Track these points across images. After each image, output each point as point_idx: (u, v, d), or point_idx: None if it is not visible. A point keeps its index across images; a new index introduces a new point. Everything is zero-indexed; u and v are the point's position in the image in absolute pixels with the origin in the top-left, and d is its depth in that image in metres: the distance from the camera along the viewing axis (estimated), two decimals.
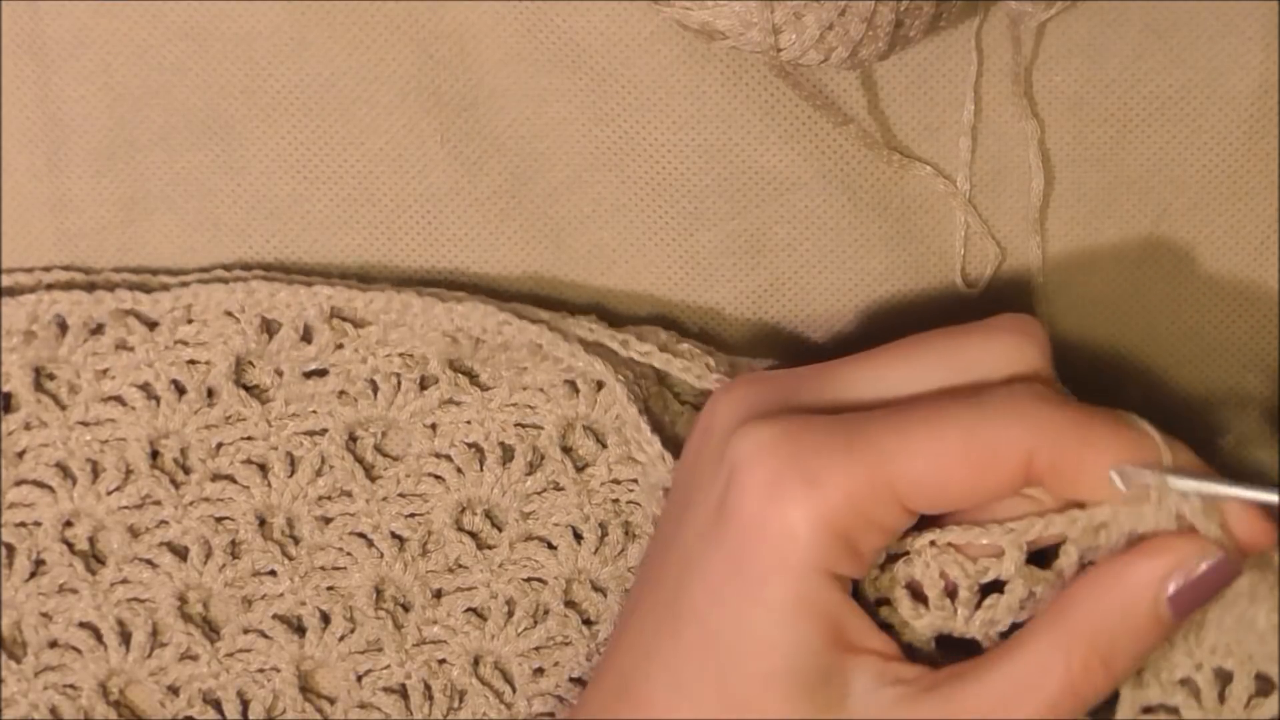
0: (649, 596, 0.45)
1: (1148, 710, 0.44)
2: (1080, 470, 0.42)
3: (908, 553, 0.44)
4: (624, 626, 0.46)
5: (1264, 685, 0.43)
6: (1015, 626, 0.43)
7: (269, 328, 0.51)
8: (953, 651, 0.44)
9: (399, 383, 0.51)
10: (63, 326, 0.51)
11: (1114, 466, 0.41)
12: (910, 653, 0.44)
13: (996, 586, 0.44)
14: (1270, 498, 0.42)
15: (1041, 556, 0.44)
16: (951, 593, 0.44)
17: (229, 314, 0.51)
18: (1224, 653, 0.43)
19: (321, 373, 0.51)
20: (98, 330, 0.52)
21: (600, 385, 0.50)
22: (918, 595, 0.44)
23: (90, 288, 0.51)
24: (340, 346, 0.51)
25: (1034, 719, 0.41)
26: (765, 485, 0.42)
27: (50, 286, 0.52)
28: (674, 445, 0.49)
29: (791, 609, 0.42)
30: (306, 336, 0.51)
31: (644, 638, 0.44)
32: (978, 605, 0.43)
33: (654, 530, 0.49)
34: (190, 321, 0.51)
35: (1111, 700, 0.44)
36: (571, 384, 0.51)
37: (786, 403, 0.44)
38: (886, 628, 0.44)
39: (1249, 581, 0.42)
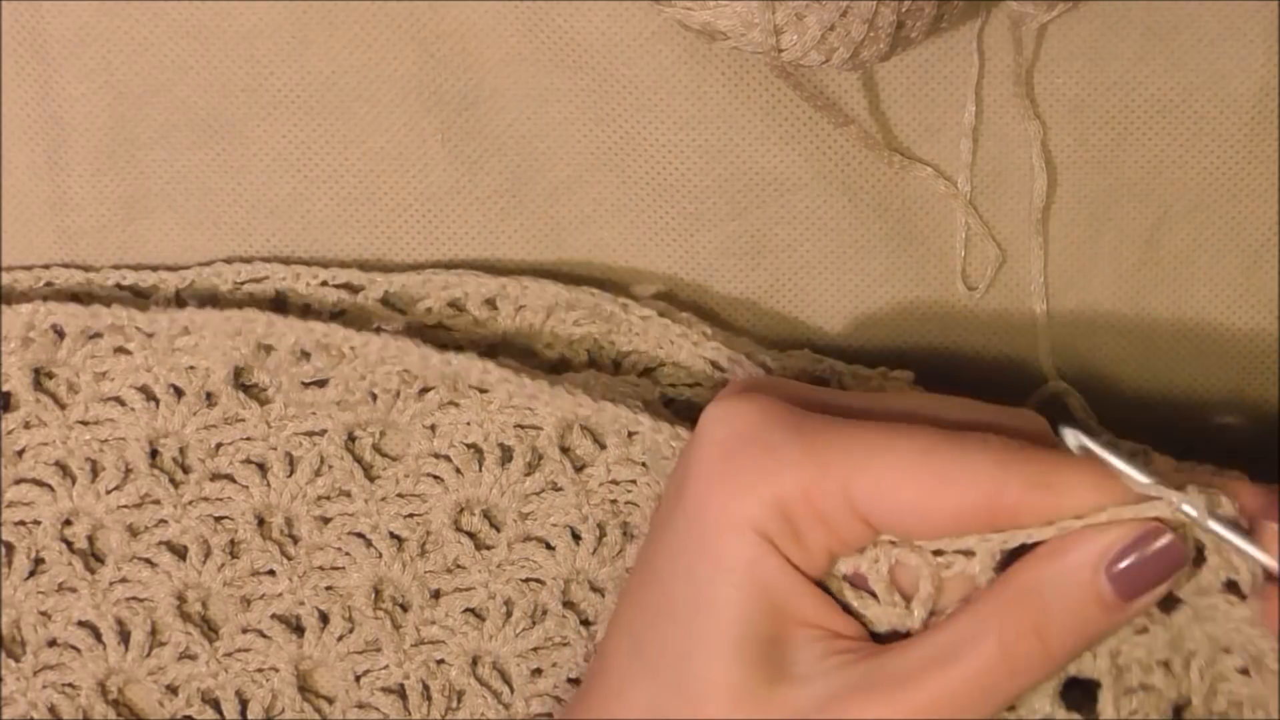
0: (632, 572, 0.45)
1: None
2: (1049, 512, 0.41)
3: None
4: (616, 606, 0.46)
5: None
6: None
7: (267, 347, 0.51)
8: None
9: (399, 394, 0.51)
10: (60, 334, 0.51)
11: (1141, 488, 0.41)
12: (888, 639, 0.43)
13: None
14: (1271, 562, 0.41)
15: None
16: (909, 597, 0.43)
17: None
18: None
19: (321, 382, 0.51)
20: (96, 336, 0.51)
21: None
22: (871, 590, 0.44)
23: (88, 298, 0.51)
24: (342, 358, 0.51)
25: (962, 684, 0.41)
26: (723, 449, 0.42)
27: (47, 298, 0.52)
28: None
29: (738, 569, 0.42)
30: (304, 355, 0.51)
31: (618, 608, 0.45)
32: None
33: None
34: (188, 333, 0.51)
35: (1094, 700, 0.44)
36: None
37: (772, 390, 0.44)
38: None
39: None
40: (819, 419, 0.43)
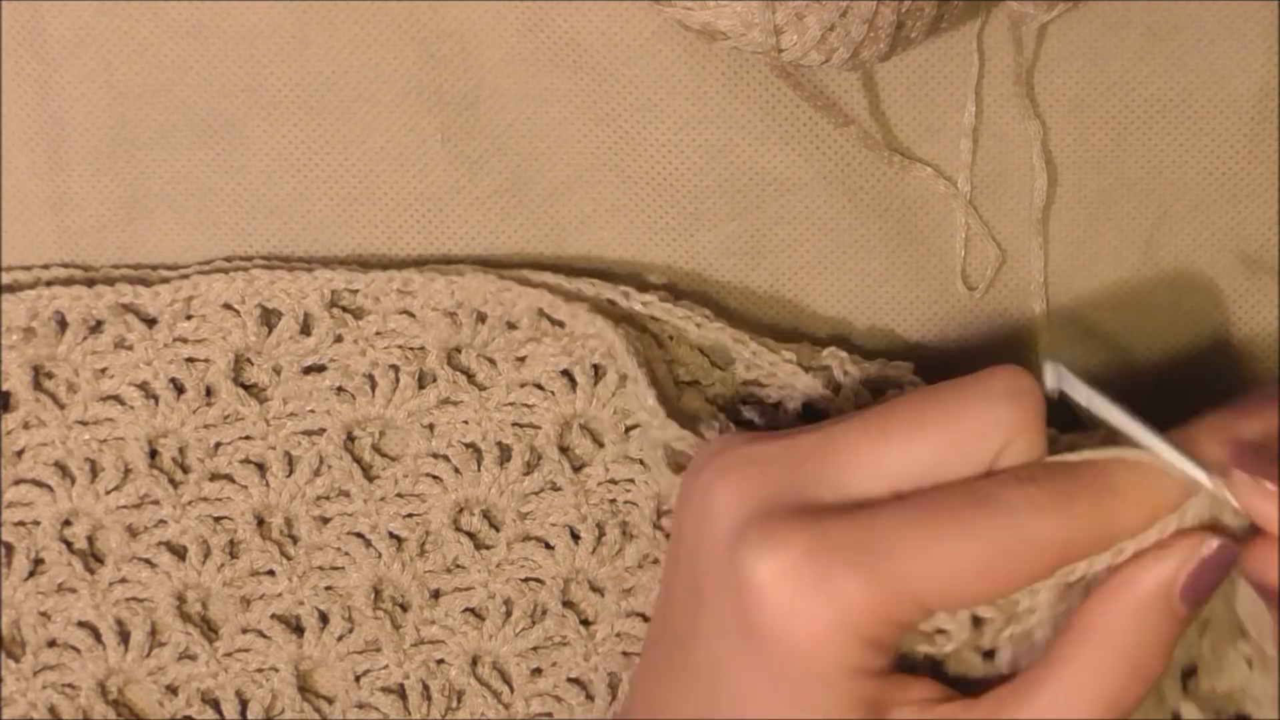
0: (675, 695, 0.44)
1: None
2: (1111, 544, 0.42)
3: None
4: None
5: None
6: None
7: (268, 320, 0.51)
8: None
9: (397, 377, 0.51)
10: (62, 324, 0.52)
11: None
12: (961, 685, 0.43)
13: None
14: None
15: None
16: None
17: (228, 307, 0.51)
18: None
19: (319, 368, 0.52)
20: (96, 328, 0.52)
21: (598, 375, 0.51)
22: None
23: (90, 284, 0.52)
24: (339, 339, 0.51)
25: None
26: (790, 603, 0.41)
27: (50, 283, 0.52)
28: (677, 418, 0.49)
29: (832, 708, 0.41)
30: (306, 328, 0.51)
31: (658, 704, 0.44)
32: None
33: (655, 610, 0.47)
34: (189, 318, 0.51)
35: None
36: (569, 377, 0.51)
37: (791, 496, 0.43)
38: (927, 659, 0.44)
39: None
40: (865, 535, 0.41)
